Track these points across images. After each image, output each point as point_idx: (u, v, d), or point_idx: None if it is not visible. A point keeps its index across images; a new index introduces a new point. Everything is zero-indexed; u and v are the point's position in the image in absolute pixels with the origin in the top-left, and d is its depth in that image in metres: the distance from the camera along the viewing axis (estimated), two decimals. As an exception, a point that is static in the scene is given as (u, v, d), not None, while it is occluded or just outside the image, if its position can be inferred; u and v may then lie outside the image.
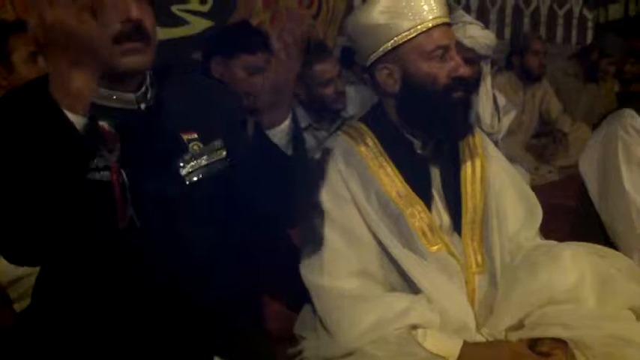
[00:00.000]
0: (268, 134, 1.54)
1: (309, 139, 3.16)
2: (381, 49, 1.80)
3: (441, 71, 1.78)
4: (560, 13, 5.86)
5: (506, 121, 3.38)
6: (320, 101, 3.35)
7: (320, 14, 4.65)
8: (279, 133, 1.55)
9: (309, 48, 2.59)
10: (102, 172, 1.44)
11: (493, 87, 3.36)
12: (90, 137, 1.29)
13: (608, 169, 2.27)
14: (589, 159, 2.35)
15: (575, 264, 1.75)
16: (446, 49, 1.78)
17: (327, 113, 3.35)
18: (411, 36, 1.77)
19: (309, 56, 2.92)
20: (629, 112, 2.24)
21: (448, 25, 1.82)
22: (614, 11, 6.05)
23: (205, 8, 4.24)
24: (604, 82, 5.04)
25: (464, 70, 1.79)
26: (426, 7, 1.77)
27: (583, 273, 1.75)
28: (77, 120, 1.25)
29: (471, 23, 2.91)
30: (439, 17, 1.78)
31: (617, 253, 1.90)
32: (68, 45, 1.21)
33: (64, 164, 1.24)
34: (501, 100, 3.40)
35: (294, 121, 1.57)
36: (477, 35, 2.85)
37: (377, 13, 1.79)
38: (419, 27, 1.76)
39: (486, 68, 3.02)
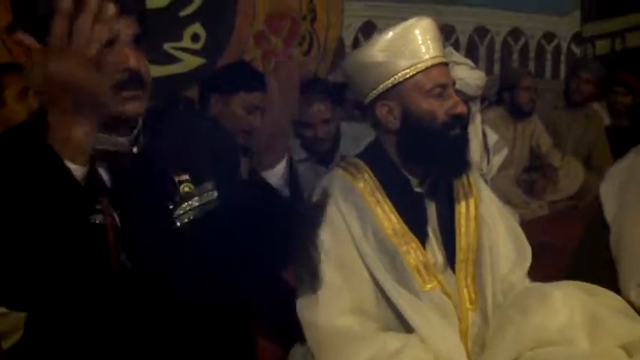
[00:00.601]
0: (264, 175, 1.56)
1: (308, 173, 3.18)
2: (381, 86, 1.85)
3: (440, 109, 1.82)
4: (549, 48, 5.93)
5: (498, 159, 3.40)
6: (301, 139, 3.36)
7: (312, 51, 4.70)
8: (275, 175, 1.56)
9: (307, 88, 2.63)
10: (95, 215, 1.45)
11: (484, 124, 3.37)
12: (90, 187, 1.29)
13: (630, 196, 2.17)
14: (611, 184, 2.24)
15: (565, 304, 1.75)
16: (444, 87, 1.83)
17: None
18: (410, 74, 1.82)
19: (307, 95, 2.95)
20: None
21: (445, 64, 1.88)
22: (602, 46, 6.13)
23: (198, 46, 4.29)
24: (593, 116, 5.08)
25: (461, 108, 1.84)
26: (424, 47, 1.82)
27: (573, 313, 1.75)
28: (77, 170, 1.25)
29: (459, 63, 2.94)
30: (437, 57, 1.84)
31: (606, 291, 1.90)
32: (70, 97, 1.22)
33: (64, 215, 1.24)
34: (492, 139, 3.41)
35: (290, 162, 1.59)
36: (466, 76, 2.88)
37: (377, 52, 1.84)
38: (418, 65, 1.81)
39: (475, 108, 3.05)
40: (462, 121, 1.87)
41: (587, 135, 5.01)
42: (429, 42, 1.83)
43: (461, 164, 1.92)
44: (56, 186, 1.23)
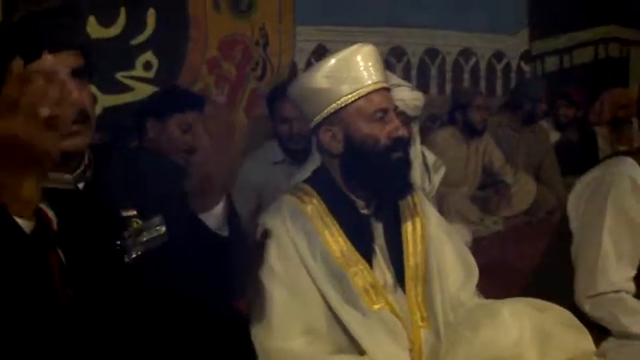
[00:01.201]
0: (201, 217, 1.55)
1: (283, 173, 3.30)
2: (324, 111, 1.88)
3: (382, 132, 1.86)
4: (499, 67, 6.04)
5: (437, 178, 3.45)
6: (278, 137, 3.53)
7: (265, 76, 4.72)
8: (212, 217, 1.55)
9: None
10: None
11: (422, 145, 3.43)
12: (39, 240, 1.29)
13: (592, 210, 2.19)
14: (577, 197, 2.26)
15: (514, 320, 1.78)
16: (385, 111, 1.87)
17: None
18: (352, 99, 1.85)
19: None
20: (630, 162, 2.15)
21: (387, 89, 1.92)
22: (551, 64, 6.26)
23: (150, 74, 4.27)
24: (540, 131, 5.18)
25: (402, 132, 1.88)
26: (365, 73, 1.86)
27: (523, 329, 1.77)
28: (25, 224, 1.25)
29: (399, 85, 2.98)
30: (378, 82, 1.88)
31: (555, 306, 1.94)
32: (20, 156, 1.20)
33: (11, 268, 1.24)
34: (431, 158, 3.47)
35: (229, 203, 1.58)
36: (406, 97, 2.92)
37: (320, 78, 1.88)
38: (360, 91, 1.85)
39: (415, 128, 3.10)
40: (403, 144, 1.90)
41: (536, 151, 5.11)
42: (370, 68, 1.87)
43: (404, 186, 1.95)
44: (6, 243, 1.23)
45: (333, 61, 1.88)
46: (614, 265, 2.12)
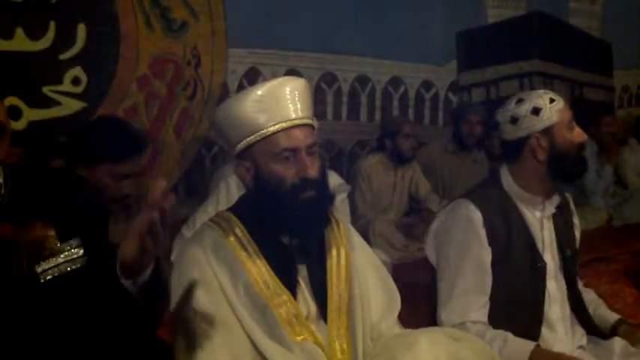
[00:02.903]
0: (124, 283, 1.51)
1: None
2: (238, 146, 1.86)
3: (289, 172, 1.83)
4: (428, 96, 6.17)
5: (339, 199, 3.51)
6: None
7: (196, 96, 4.70)
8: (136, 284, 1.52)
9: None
10: None
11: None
12: None
13: (441, 252, 2.37)
14: (430, 242, 2.45)
15: (431, 350, 1.81)
16: (294, 151, 1.83)
17: None
18: (262, 136, 1.82)
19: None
20: (465, 204, 2.31)
21: (309, 125, 1.87)
22: (477, 95, 6.42)
23: (78, 90, 4.21)
24: (481, 160, 5.29)
25: (309, 173, 1.83)
26: (273, 112, 1.82)
27: (439, 358, 1.82)
28: None
29: None
30: (287, 121, 1.83)
31: (470, 336, 2.00)
32: None
33: None
34: (335, 180, 3.52)
35: (158, 269, 1.57)
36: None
37: (228, 113, 1.85)
38: (273, 127, 1.81)
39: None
40: (317, 184, 1.85)
41: (475, 179, 5.20)
42: (279, 105, 1.82)
43: (317, 223, 1.92)
44: None
45: (259, 92, 1.83)
46: (459, 300, 2.28)
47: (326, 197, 1.91)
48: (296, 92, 1.86)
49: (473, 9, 6.41)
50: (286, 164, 1.83)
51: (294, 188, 1.82)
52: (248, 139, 1.84)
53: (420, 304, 2.56)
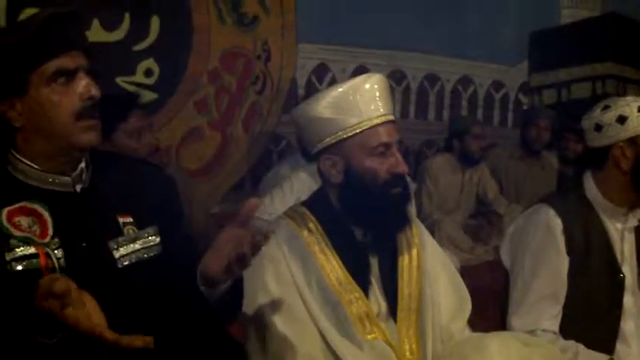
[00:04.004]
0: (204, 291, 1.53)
1: None
2: (326, 140, 1.86)
3: (382, 167, 1.84)
4: (497, 97, 6.07)
5: None
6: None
7: (265, 90, 4.72)
8: (214, 293, 1.54)
9: None
10: (31, 260, 1.43)
11: None
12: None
13: (517, 259, 2.31)
14: (505, 246, 2.39)
15: (501, 355, 1.78)
16: (387, 146, 1.85)
17: None
18: (355, 131, 1.83)
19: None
20: (545, 210, 2.25)
21: (392, 122, 1.89)
22: (549, 97, 6.29)
23: (150, 81, 4.27)
24: (549, 166, 5.16)
25: (403, 168, 1.86)
26: (372, 105, 1.84)
27: None
28: None
29: None
30: (384, 115, 1.86)
31: (542, 340, 1.95)
32: None
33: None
34: None
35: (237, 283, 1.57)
36: None
37: (323, 107, 1.85)
38: (364, 124, 1.83)
39: None
40: (403, 179, 1.88)
41: (543, 184, 5.10)
42: (377, 99, 1.85)
43: (401, 220, 1.94)
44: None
45: (339, 90, 1.86)
46: (532, 307, 2.21)
47: (408, 195, 1.91)
48: (385, 88, 1.89)
49: (546, 9, 6.26)
50: (380, 159, 1.84)
51: (385, 183, 1.84)
52: (341, 132, 1.84)
53: (486, 308, 2.50)
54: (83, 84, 1.47)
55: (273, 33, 4.73)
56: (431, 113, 5.68)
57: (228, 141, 4.57)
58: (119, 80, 4.14)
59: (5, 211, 1.46)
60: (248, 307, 1.81)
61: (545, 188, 5.02)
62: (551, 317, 2.20)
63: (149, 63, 4.26)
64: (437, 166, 4.79)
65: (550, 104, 6.23)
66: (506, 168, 5.09)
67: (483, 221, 4.76)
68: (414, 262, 1.97)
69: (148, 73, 4.27)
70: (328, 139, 1.86)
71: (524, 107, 6.13)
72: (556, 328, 2.20)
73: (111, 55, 4.04)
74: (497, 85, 6.05)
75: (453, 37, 5.52)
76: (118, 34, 4.16)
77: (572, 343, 2.15)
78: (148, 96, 4.23)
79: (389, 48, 5.29)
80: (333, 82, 5.03)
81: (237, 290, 1.58)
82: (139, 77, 4.24)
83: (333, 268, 1.87)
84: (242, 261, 1.41)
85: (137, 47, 4.23)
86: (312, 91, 4.92)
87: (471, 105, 5.90)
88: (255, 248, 1.41)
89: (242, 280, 1.58)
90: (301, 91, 4.96)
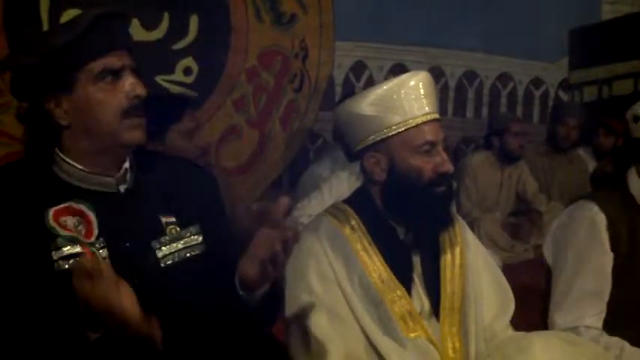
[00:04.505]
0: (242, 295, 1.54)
1: None
2: (370, 138, 1.86)
3: (427, 166, 1.83)
4: (537, 94, 6.00)
5: None
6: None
7: (302, 88, 4.72)
8: (252, 298, 1.55)
9: None
10: (77, 259, 1.45)
11: None
12: None
13: (559, 255, 2.27)
14: (548, 243, 2.34)
15: (545, 354, 1.76)
16: (433, 144, 1.84)
17: None
18: (400, 130, 1.82)
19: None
20: (589, 206, 2.20)
21: (437, 120, 1.88)
22: (589, 93, 6.20)
23: (189, 80, 4.29)
24: (578, 161, 5.11)
25: (448, 167, 1.85)
26: (417, 104, 1.83)
27: None
28: None
29: None
30: (430, 113, 1.85)
31: (586, 340, 1.92)
32: None
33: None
34: None
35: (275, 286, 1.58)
36: None
37: (367, 105, 1.85)
38: (409, 122, 1.82)
39: None
40: (448, 179, 1.87)
41: (572, 180, 5.04)
42: (422, 98, 1.84)
43: (444, 219, 1.93)
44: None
45: (383, 88, 1.86)
46: (575, 304, 2.17)
47: (452, 194, 1.90)
48: (430, 86, 1.89)
49: (587, 5, 6.17)
50: (425, 158, 1.83)
51: (430, 182, 1.84)
52: (385, 130, 1.83)
53: (526, 307, 2.47)
54: (129, 83, 1.50)
55: (310, 31, 4.72)
56: (469, 110, 5.63)
57: (266, 139, 4.58)
58: (159, 79, 4.17)
59: (52, 211, 1.48)
60: (290, 305, 1.82)
61: (575, 184, 4.98)
62: (594, 314, 2.16)
63: (188, 61, 4.28)
64: (476, 163, 4.75)
65: (590, 101, 6.16)
66: (534, 165, 5.04)
67: (523, 219, 4.72)
68: (457, 261, 1.95)
69: (187, 71, 4.30)
70: (372, 137, 1.85)
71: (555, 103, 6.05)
72: (599, 325, 2.16)
73: (150, 54, 4.08)
74: (537, 82, 5.98)
75: (492, 33, 5.46)
76: (157, 33, 4.19)
77: (616, 339, 2.11)
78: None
79: (427, 45, 5.25)
80: (371, 80, 5.04)
81: (275, 296, 1.59)
82: (178, 76, 4.26)
83: (375, 266, 1.86)
84: (275, 261, 1.42)
85: (176, 46, 4.25)
86: (349, 88, 4.92)
87: (510, 102, 5.84)
88: (288, 247, 1.41)
89: (279, 286, 1.59)
90: (338, 89, 4.96)
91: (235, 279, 1.52)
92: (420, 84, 1.86)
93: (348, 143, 1.98)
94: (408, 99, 1.83)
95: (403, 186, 1.85)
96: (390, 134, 1.83)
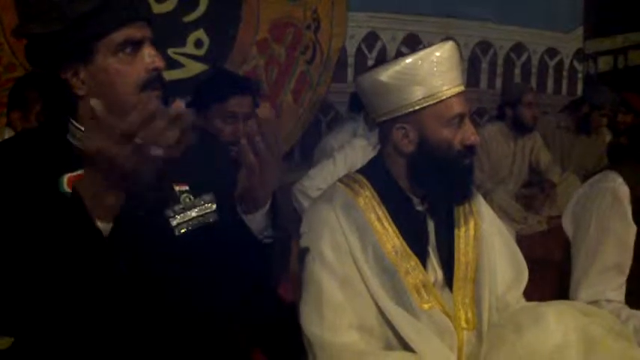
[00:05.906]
0: (246, 219, 1.57)
1: None
2: (396, 109, 1.84)
3: (456, 138, 1.83)
4: (551, 64, 5.95)
5: None
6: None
7: (315, 60, 4.70)
8: (259, 217, 1.57)
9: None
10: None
11: None
12: (115, 243, 1.35)
13: (581, 226, 2.26)
14: (568, 214, 2.33)
15: (559, 324, 1.75)
16: (462, 117, 1.83)
17: None
18: (430, 102, 1.81)
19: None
20: (613, 177, 2.18)
21: (464, 92, 1.87)
22: (604, 63, 6.14)
23: (201, 52, 4.29)
24: (597, 135, 5.09)
25: (475, 139, 1.85)
26: (447, 76, 1.81)
27: (567, 333, 1.74)
28: (104, 227, 1.32)
29: None
30: (459, 85, 1.84)
31: (601, 310, 1.91)
32: (116, 177, 1.29)
33: (87, 269, 1.31)
34: None
35: (274, 204, 1.59)
36: None
37: (396, 76, 1.82)
38: (439, 95, 1.80)
39: None
40: (473, 151, 1.87)
41: (591, 154, 5.01)
42: (451, 70, 1.82)
43: (466, 192, 1.93)
44: (82, 239, 1.31)
45: (411, 59, 1.81)
46: (597, 277, 2.16)
47: (473, 166, 1.90)
48: (458, 57, 1.87)
49: (602, -27, 6.10)
50: (454, 130, 1.82)
51: (458, 154, 1.83)
52: (414, 103, 1.81)
53: (538, 278, 2.47)
54: (149, 54, 1.48)
55: (322, 2, 4.70)
56: (483, 81, 5.60)
57: (278, 111, 4.58)
58: (170, 52, 4.17)
59: (67, 176, 1.48)
60: (304, 273, 1.83)
61: (593, 158, 4.95)
62: (615, 288, 2.15)
63: (199, 34, 4.28)
64: (489, 134, 4.72)
65: (605, 71, 6.10)
66: (552, 138, 5.00)
67: (536, 190, 4.69)
68: (471, 232, 1.94)
69: (199, 44, 4.29)
70: (400, 109, 1.83)
71: (579, 75, 5.99)
72: (622, 298, 2.15)
73: (161, 26, 4.06)
74: (552, 52, 5.93)
75: (506, 3, 5.41)
76: (168, 5, 4.19)
77: (638, 312, 2.10)
78: (198, 67, 4.25)
79: (440, 15, 5.21)
80: (383, 51, 5.01)
81: (275, 215, 1.60)
82: (189, 48, 4.26)
83: (389, 236, 1.85)
84: (255, 149, 1.48)
85: (187, 18, 4.25)
86: (361, 59, 4.89)
87: (524, 73, 5.80)
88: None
89: (278, 206, 1.60)
90: (351, 60, 4.93)
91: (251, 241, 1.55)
92: (448, 55, 1.83)
93: (371, 113, 1.96)
94: (438, 71, 1.80)
95: (432, 158, 1.83)
96: (419, 107, 1.81)
